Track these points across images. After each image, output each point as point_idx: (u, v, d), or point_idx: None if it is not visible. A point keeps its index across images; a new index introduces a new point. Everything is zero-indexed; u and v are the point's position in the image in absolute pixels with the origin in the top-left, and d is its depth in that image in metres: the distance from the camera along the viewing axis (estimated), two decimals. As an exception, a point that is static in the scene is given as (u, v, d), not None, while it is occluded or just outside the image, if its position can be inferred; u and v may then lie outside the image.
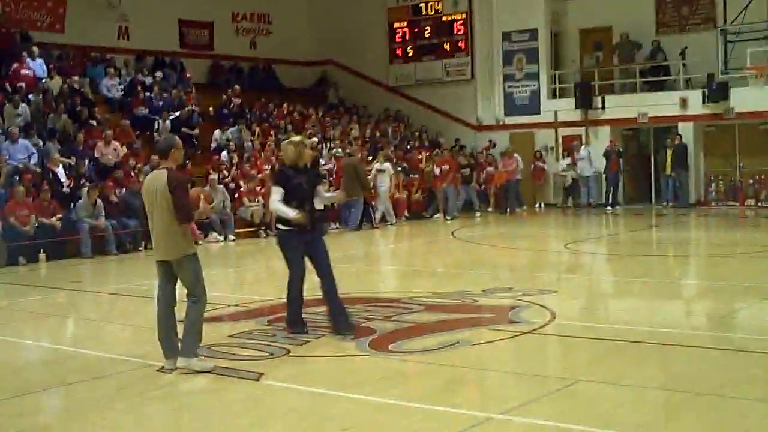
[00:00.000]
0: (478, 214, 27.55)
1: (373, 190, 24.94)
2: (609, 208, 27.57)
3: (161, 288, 8.86)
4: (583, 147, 28.62)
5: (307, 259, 10.10)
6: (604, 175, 28.24)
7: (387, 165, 25.65)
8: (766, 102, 25.66)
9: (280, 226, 10.02)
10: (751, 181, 27.13)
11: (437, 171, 26.88)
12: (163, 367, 8.63)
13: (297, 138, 10.71)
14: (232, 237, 22.04)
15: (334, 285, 10.08)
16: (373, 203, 25.27)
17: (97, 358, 9.61)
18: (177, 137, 9.43)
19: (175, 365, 8.61)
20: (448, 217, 26.13)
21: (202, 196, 9.06)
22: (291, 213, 9.73)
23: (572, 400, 7.49)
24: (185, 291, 8.80)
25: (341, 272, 16.99)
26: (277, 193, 9.91)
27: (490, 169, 28.85)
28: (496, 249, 20.06)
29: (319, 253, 10.13)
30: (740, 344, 9.46)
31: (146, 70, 27.84)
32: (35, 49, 24.53)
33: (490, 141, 30.53)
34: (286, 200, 9.84)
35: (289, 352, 9.29)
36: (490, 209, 28.49)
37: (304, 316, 10.30)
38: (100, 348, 10.17)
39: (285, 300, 10.31)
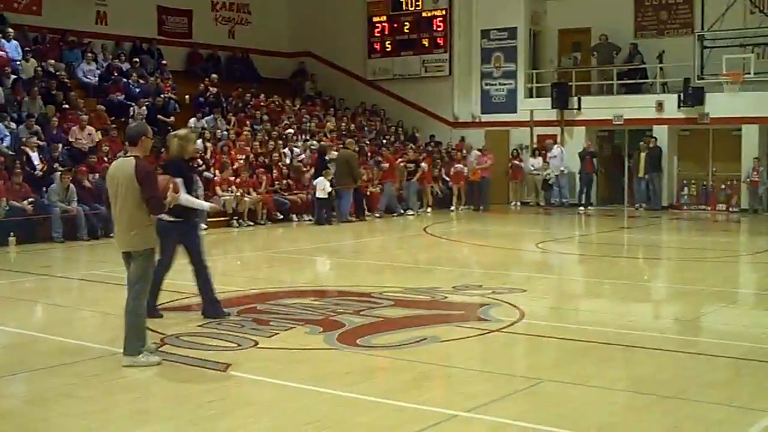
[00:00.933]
0: (410, 212, 26.84)
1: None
2: (582, 208, 27.71)
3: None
4: (555, 146, 28.75)
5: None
6: (578, 176, 28.39)
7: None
8: (740, 108, 25.84)
9: (165, 217, 9.97)
10: (722, 186, 27.33)
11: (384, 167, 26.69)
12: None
13: (182, 132, 10.93)
14: (204, 226, 21.91)
15: (207, 275, 10.50)
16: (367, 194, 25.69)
17: (64, 344, 9.57)
18: (147, 125, 9.31)
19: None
20: (377, 215, 25.78)
21: (171, 186, 8.94)
22: (206, 204, 10.06)
23: (537, 399, 7.54)
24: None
25: (312, 265, 17.09)
26: (182, 185, 9.95)
27: (459, 166, 28.75)
28: (468, 246, 20.12)
29: (195, 244, 10.47)
30: (704, 348, 9.54)
31: (124, 56, 27.69)
32: (10, 30, 24.32)
33: (463, 138, 30.56)
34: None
35: (257, 343, 9.29)
36: (453, 208, 28.31)
37: (272, 307, 10.32)
38: (67, 334, 10.14)
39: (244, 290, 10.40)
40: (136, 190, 8.35)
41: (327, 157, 24.47)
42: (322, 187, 23.49)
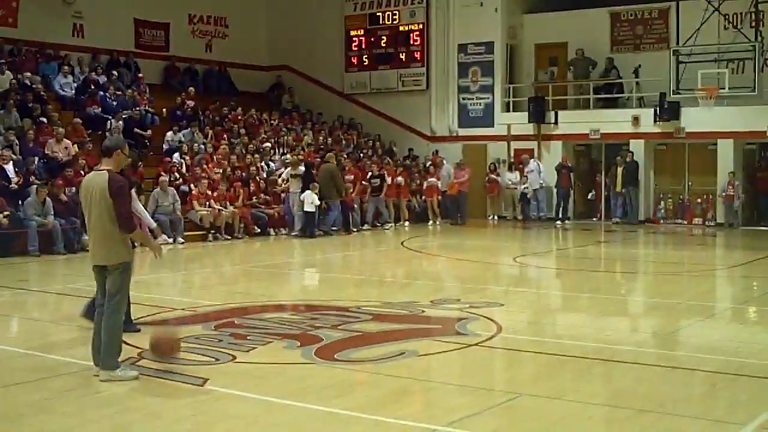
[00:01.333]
0: (387, 227, 26.91)
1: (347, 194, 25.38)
2: (559, 222, 27.82)
3: (99, 293, 8.70)
4: (532, 160, 28.81)
5: None
6: (555, 190, 28.49)
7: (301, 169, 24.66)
8: (715, 123, 26.06)
9: None
10: (699, 200, 27.51)
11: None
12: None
13: None
14: (181, 240, 21.93)
15: None
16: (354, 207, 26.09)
17: (40, 359, 9.50)
18: (124, 139, 9.23)
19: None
20: (334, 228, 24.75)
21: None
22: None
23: (516, 413, 7.55)
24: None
25: (290, 279, 17.06)
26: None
27: (432, 180, 28.66)
28: (446, 260, 20.12)
29: None
30: (682, 361, 9.58)
31: (100, 69, 27.60)
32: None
33: (436, 151, 30.59)
34: None
35: (235, 358, 9.26)
36: (431, 222, 28.32)
37: (249, 321, 10.28)
38: (44, 349, 10.05)
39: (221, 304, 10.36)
40: (110, 204, 8.32)
41: (313, 171, 24.66)
42: (311, 200, 23.61)
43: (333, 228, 24.53)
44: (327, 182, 24.27)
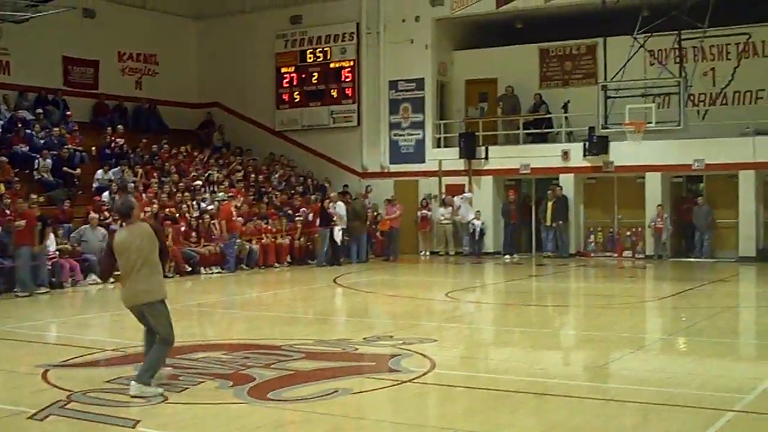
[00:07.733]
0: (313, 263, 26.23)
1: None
2: (508, 257, 28.05)
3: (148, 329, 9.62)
4: (466, 193, 28.97)
5: None
6: (504, 226, 28.81)
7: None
8: (643, 157, 26.47)
9: None
10: (628, 233, 27.87)
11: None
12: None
13: None
14: (111, 279, 21.56)
15: None
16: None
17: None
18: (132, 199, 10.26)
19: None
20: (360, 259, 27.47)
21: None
22: None
23: (450, 449, 7.52)
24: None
25: (221, 318, 16.89)
26: None
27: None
28: (378, 296, 20.09)
29: None
30: (614, 394, 9.65)
31: (27, 106, 27.24)
32: None
33: (368, 186, 30.54)
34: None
35: (167, 398, 9.13)
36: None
37: (181, 361, 10.16)
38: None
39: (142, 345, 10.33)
40: (155, 245, 9.43)
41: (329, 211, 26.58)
42: (338, 232, 26.32)
43: (358, 258, 27.14)
44: (353, 216, 26.95)
